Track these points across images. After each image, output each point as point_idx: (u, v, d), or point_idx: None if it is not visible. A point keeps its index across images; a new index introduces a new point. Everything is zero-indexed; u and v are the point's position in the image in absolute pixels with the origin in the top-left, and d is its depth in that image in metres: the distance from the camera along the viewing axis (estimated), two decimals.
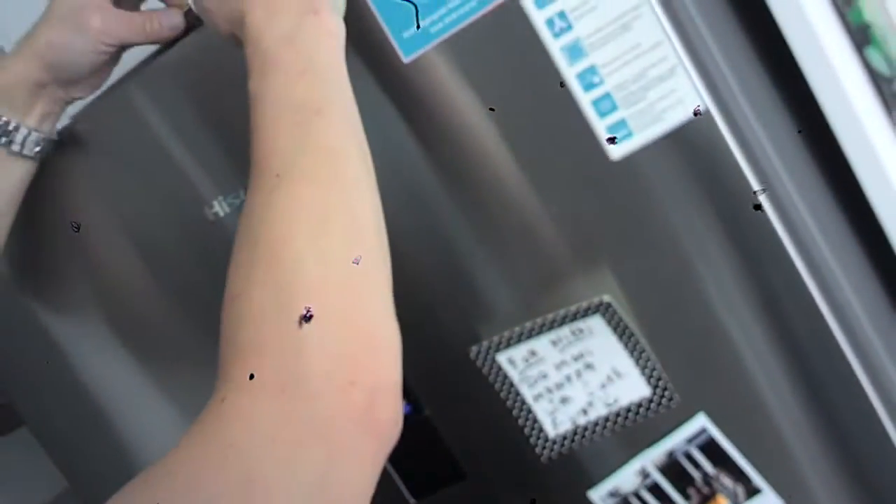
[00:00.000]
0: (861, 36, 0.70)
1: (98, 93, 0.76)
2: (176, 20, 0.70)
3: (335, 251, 0.49)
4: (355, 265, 0.48)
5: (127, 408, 0.88)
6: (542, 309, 0.67)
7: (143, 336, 0.84)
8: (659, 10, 0.59)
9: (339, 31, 0.59)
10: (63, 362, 0.86)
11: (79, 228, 0.80)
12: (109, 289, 0.82)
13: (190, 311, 0.80)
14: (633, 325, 0.65)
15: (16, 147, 0.70)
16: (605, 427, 0.69)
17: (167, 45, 0.72)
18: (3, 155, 0.70)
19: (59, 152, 0.76)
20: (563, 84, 0.63)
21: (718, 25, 0.64)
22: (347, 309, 0.48)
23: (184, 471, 0.43)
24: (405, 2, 0.63)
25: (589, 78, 0.62)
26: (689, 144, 0.62)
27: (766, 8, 0.65)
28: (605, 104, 0.62)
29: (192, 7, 0.69)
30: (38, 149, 0.72)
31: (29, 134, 0.71)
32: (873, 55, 0.70)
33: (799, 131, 0.68)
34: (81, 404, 0.87)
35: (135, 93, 0.73)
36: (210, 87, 0.71)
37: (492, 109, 0.65)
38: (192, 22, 0.71)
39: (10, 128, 0.69)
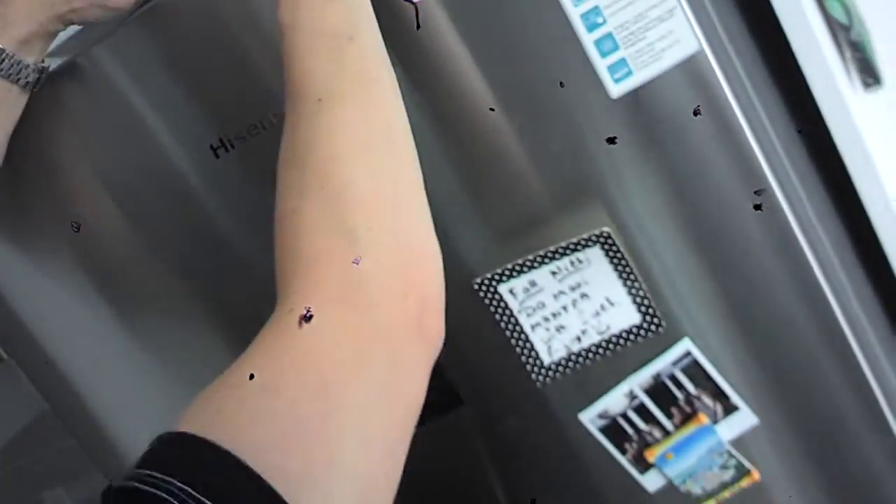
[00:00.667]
0: None
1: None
2: None
3: (381, 167, 0.52)
4: (400, 184, 0.51)
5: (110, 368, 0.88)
6: (542, 242, 0.71)
7: (120, 293, 0.84)
8: None
9: None
10: (47, 309, 0.85)
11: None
12: (86, 245, 0.82)
13: (161, 266, 0.81)
14: (628, 256, 0.70)
15: (28, 86, 0.71)
16: (596, 353, 0.73)
17: None
18: (17, 92, 0.70)
19: (46, 94, 0.75)
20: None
21: None
22: (396, 223, 0.51)
23: (263, 377, 0.45)
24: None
25: (592, 18, 0.65)
26: (684, 82, 0.66)
27: None
28: (607, 44, 0.66)
29: None
30: (40, 82, 0.73)
31: (41, 70, 0.71)
32: (832, 5, 0.76)
33: (782, 76, 0.73)
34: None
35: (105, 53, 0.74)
36: (196, 38, 0.72)
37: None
38: None
39: (29, 70, 0.70)
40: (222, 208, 0.76)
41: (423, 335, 0.50)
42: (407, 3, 0.67)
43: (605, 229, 0.69)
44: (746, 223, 0.69)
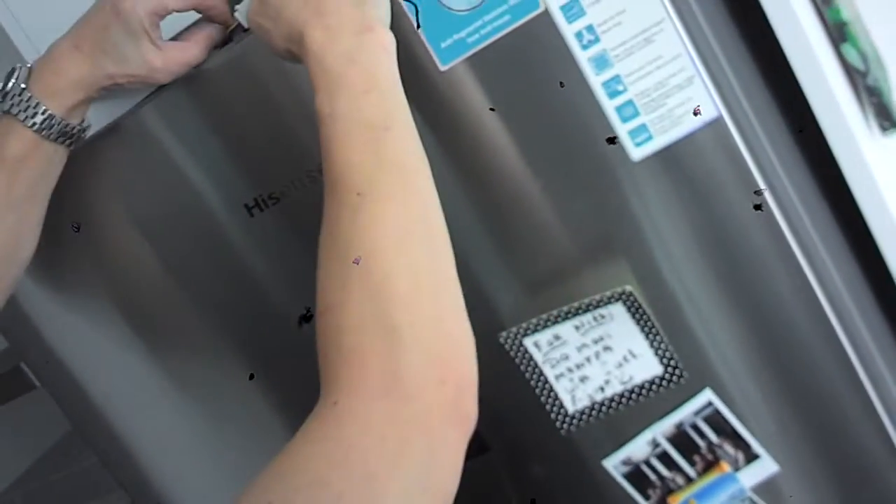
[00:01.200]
0: (838, 33, 0.77)
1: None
2: (218, 38, 0.74)
3: (419, 262, 0.54)
4: (437, 274, 0.54)
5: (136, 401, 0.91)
6: (566, 297, 0.73)
7: (155, 338, 0.87)
8: (679, 25, 0.65)
9: (392, 45, 0.62)
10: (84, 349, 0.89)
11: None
12: (121, 286, 0.85)
13: (190, 309, 0.84)
14: (650, 312, 0.72)
15: (73, 145, 0.75)
16: (619, 403, 0.75)
17: None
18: (63, 152, 0.74)
19: (87, 153, 0.79)
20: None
21: (726, 38, 0.70)
22: (435, 315, 0.53)
23: (311, 469, 0.48)
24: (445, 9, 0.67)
25: (613, 86, 0.67)
26: (704, 145, 0.68)
27: (764, 23, 0.72)
28: (628, 110, 0.68)
29: (242, 24, 0.72)
30: (83, 138, 0.76)
31: (83, 130, 0.75)
32: (849, 51, 0.77)
33: (800, 131, 0.74)
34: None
35: (163, 104, 0.77)
36: (236, 98, 0.75)
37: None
38: (230, 38, 0.75)
39: (74, 132, 0.73)
40: (256, 266, 0.79)
41: (460, 419, 0.52)
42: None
43: (628, 288, 0.71)
44: (767, 279, 0.70)
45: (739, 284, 0.71)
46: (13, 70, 0.72)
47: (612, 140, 0.69)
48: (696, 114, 0.67)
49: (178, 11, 0.72)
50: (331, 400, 0.50)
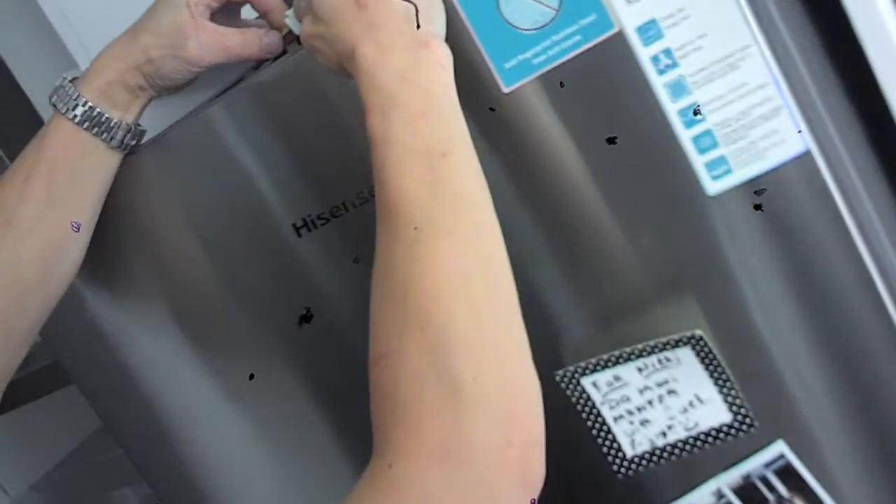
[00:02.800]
0: None
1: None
2: (274, 43, 0.69)
3: (482, 306, 0.49)
4: (500, 318, 0.49)
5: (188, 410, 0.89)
6: (628, 337, 0.68)
7: (214, 351, 0.84)
8: (767, 51, 0.59)
9: (448, 61, 0.57)
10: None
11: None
12: (178, 294, 0.82)
13: (257, 325, 0.81)
14: (720, 358, 0.66)
15: (115, 143, 0.71)
16: (683, 449, 0.69)
17: (257, 63, 0.71)
18: (102, 149, 0.71)
19: (143, 157, 0.75)
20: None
21: (816, 66, 0.64)
22: (499, 366, 0.48)
23: None
24: (510, 28, 0.62)
25: (691, 115, 0.61)
26: (789, 180, 0.61)
27: (858, 52, 0.65)
28: (706, 141, 0.62)
29: (293, 31, 0.68)
30: (133, 142, 0.73)
31: (129, 129, 0.71)
32: None
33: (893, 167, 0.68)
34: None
35: (218, 114, 0.72)
36: (291, 113, 0.70)
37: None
38: (287, 45, 0.70)
39: (112, 125, 0.70)
40: (302, 287, 0.75)
41: (526, 483, 0.47)
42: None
43: (698, 332, 0.65)
44: (854, 326, 0.64)
45: (822, 331, 0.64)
46: (70, 72, 0.70)
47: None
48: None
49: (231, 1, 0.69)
50: (385, 462, 0.46)
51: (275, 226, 0.73)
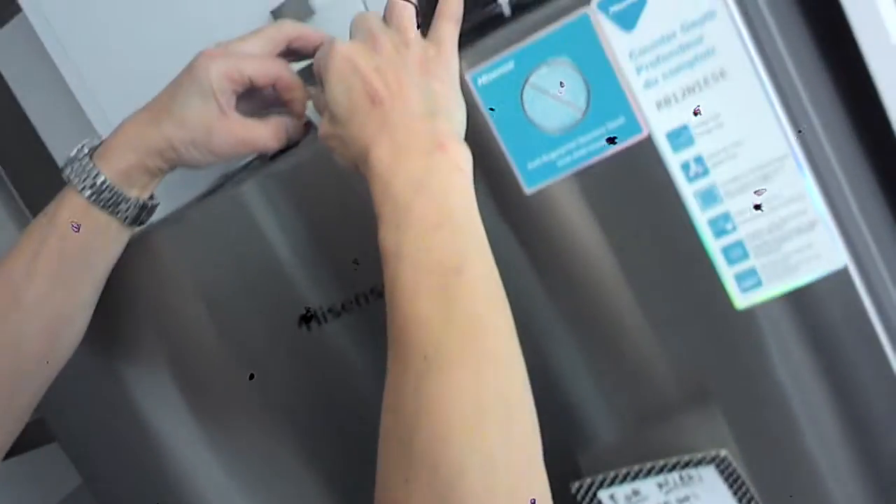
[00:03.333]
0: None
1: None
2: (296, 134, 0.67)
3: (495, 453, 0.45)
4: (517, 465, 0.45)
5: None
6: (650, 448, 0.64)
7: (213, 424, 0.81)
8: (804, 162, 0.56)
9: (466, 163, 0.55)
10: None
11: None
12: (189, 371, 0.79)
13: (272, 408, 0.77)
14: (745, 477, 0.62)
15: (128, 221, 0.68)
16: None
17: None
18: (116, 227, 0.68)
19: (156, 235, 0.73)
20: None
21: (857, 178, 0.61)
22: None
23: None
24: (530, 126, 0.59)
25: (721, 224, 0.58)
26: (821, 296, 0.58)
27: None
28: (737, 252, 0.58)
29: (312, 122, 0.66)
30: (147, 218, 0.70)
31: (145, 207, 0.69)
32: None
33: None
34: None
35: (249, 193, 0.69)
36: (318, 200, 0.67)
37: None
38: (306, 134, 0.68)
39: (129, 203, 0.67)
40: (308, 379, 0.72)
41: None
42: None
43: (723, 452, 0.61)
44: (885, 449, 0.60)
45: (856, 450, 0.61)
46: (84, 144, 0.68)
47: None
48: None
49: (255, 83, 0.66)
50: None
51: (286, 313, 0.70)
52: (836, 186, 0.58)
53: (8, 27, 1.58)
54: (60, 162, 1.54)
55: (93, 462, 0.87)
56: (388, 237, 0.51)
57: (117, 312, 0.77)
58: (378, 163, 0.52)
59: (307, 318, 0.70)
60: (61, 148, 1.60)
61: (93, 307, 0.71)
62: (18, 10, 1.44)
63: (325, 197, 0.67)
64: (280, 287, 0.69)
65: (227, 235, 0.70)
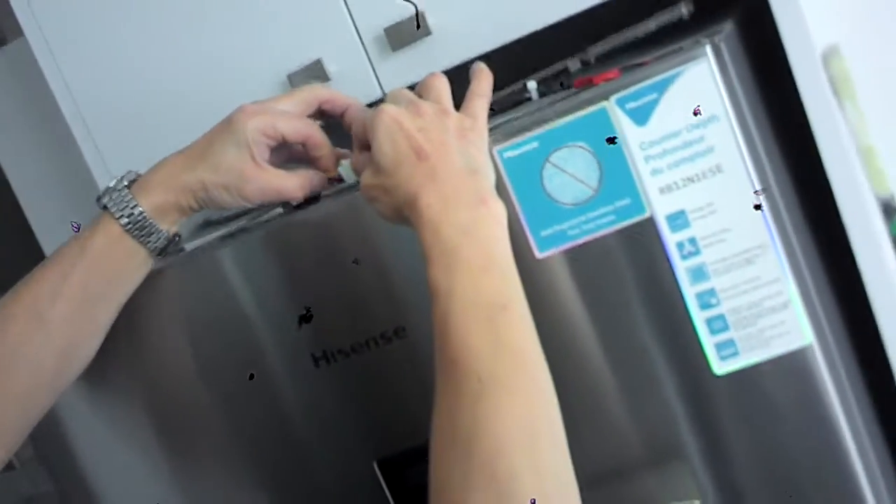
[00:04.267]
0: None
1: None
2: (321, 186, 0.72)
3: (546, 463, 0.51)
4: (562, 476, 0.51)
5: None
6: (624, 500, 0.70)
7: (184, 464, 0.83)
8: (782, 251, 0.64)
9: (504, 218, 0.60)
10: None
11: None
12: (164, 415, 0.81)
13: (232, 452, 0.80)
14: None
15: (156, 251, 0.72)
16: None
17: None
18: (143, 255, 0.71)
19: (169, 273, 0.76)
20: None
21: (816, 271, 0.70)
22: None
23: None
24: (548, 200, 0.67)
25: (707, 299, 0.66)
26: (788, 370, 0.66)
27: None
28: (718, 324, 0.66)
29: (345, 178, 0.71)
30: (172, 251, 0.74)
31: (172, 240, 0.72)
32: None
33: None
34: None
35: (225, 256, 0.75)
36: (295, 263, 0.73)
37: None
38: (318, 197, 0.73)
39: (159, 235, 0.71)
40: (311, 416, 0.75)
41: None
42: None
43: (696, 502, 0.68)
44: None
45: None
46: (123, 177, 0.71)
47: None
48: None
49: (287, 139, 0.71)
50: None
51: (293, 356, 0.74)
52: (803, 275, 0.66)
53: None
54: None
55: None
56: (440, 277, 0.56)
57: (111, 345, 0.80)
58: (427, 209, 0.58)
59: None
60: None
61: (106, 332, 0.74)
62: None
63: (330, 253, 0.72)
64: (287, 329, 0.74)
65: (233, 280, 0.75)
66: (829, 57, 0.87)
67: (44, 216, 1.59)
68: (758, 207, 0.64)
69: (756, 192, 0.64)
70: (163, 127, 1.00)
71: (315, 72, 0.93)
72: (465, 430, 0.51)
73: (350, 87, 0.88)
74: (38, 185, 1.57)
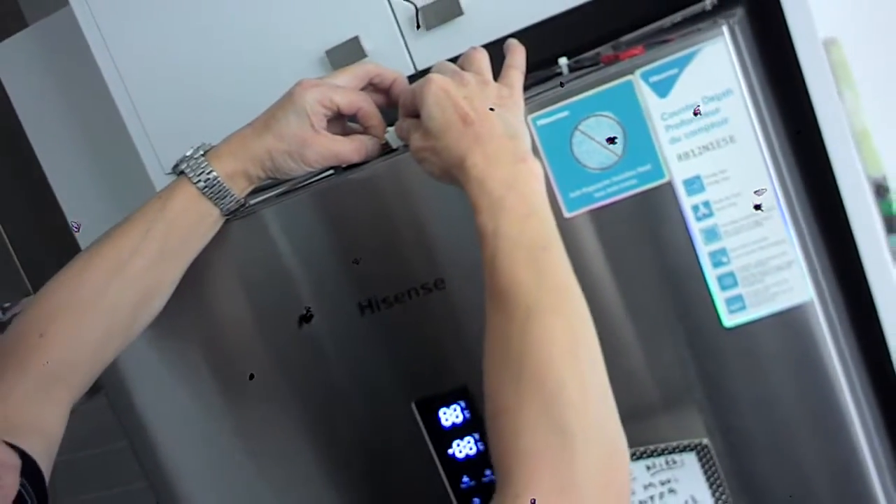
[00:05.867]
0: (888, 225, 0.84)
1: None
2: (375, 151, 0.78)
3: (586, 373, 0.58)
4: (600, 385, 0.58)
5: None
6: (633, 440, 0.76)
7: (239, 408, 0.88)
8: (787, 214, 0.70)
9: (541, 175, 0.66)
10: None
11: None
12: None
13: (282, 398, 0.86)
14: (719, 465, 0.74)
15: (226, 213, 0.78)
16: None
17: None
18: (215, 216, 0.78)
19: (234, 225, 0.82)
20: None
21: (814, 234, 0.76)
22: (601, 423, 0.57)
23: None
24: (578, 166, 0.72)
25: (719, 257, 0.72)
26: (790, 324, 0.72)
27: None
28: (728, 280, 0.72)
29: (390, 144, 0.77)
30: (235, 213, 0.80)
31: (241, 204, 0.79)
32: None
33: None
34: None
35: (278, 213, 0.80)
36: (343, 219, 0.79)
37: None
38: (380, 153, 0.79)
39: (230, 198, 0.77)
40: (355, 361, 0.81)
41: None
42: None
43: (705, 441, 0.74)
44: (824, 456, 0.74)
45: (800, 458, 0.74)
46: (199, 147, 0.78)
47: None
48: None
49: (342, 110, 0.77)
50: (511, 492, 0.53)
51: (339, 303, 0.79)
52: (804, 237, 0.72)
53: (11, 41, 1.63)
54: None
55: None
56: (487, 222, 0.62)
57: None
58: (473, 168, 0.64)
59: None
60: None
61: (175, 286, 0.79)
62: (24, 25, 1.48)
63: (390, 206, 0.78)
64: (336, 278, 0.79)
65: (293, 232, 0.80)
66: (829, 46, 0.93)
67: (73, 195, 1.63)
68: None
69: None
70: (206, 103, 1.05)
71: (352, 49, 0.98)
72: (516, 349, 0.58)
73: (385, 63, 0.92)
74: (67, 163, 1.62)
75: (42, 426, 0.72)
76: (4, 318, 2.13)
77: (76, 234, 1.60)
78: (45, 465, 0.69)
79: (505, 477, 0.55)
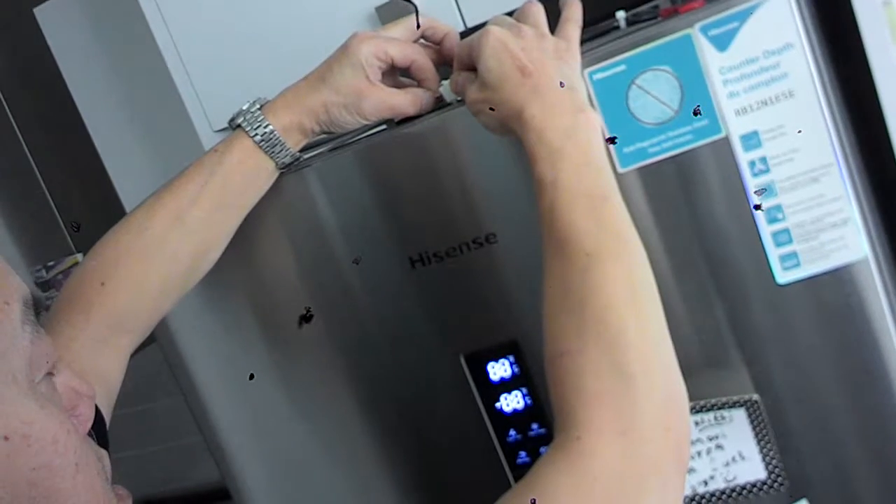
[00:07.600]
0: None
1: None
2: (429, 104, 0.77)
3: (647, 317, 0.58)
4: (660, 329, 0.58)
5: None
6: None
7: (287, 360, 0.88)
8: (844, 171, 0.69)
9: (599, 126, 0.65)
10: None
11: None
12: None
13: (329, 351, 0.86)
14: (768, 422, 0.74)
15: (281, 166, 0.78)
16: (719, 499, 0.77)
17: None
18: (271, 169, 0.78)
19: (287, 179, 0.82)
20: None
21: (870, 192, 0.74)
22: (661, 366, 0.57)
23: (561, 493, 0.51)
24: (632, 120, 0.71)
25: (774, 214, 0.70)
26: (845, 282, 0.71)
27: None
28: (783, 237, 0.71)
29: (444, 97, 0.76)
30: (290, 167, 0.80)
31: (296, 157, 0.79)
32: None
33: None
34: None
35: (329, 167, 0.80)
36: (394, 174, 0.79)
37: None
38: (435, 106, 0.78)
39: (286, 151, 0.76)
40: (405, 314, 0.81)
41: (680, 465, 0.56)
42: None
43: (755, 396, 0.73)
44: (883, 411, 0.73)
45: (847, 416, 0.73)
46: (255, 101, 0.77)
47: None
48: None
49: (396, 63, 0.76)
50: (574, 434, 0.53)
51: (391, 257, 0.79)
52: (860, 195, 0.71)
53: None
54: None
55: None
56: (545, 171, 0.61)
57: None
58: (532, 119, 0.63)
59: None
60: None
61: (231, 237, 0.79)
62: None
63: (443, 161, 0.77)
64: (389, 231, 0.79)
65: (347, 185, 0.80)
66: (886, 5, 0.91)
67: (118, 155, 1.64)
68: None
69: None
70: (254, 61, 1.04)
71: (401, 5, 0.97)
72: (576, 294, 0.57)
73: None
74: (112, 123, 1.62)
75: (103, 373, 0.72)
76: (48, 276, 2.16)
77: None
78: (106, 413, 0.70)
79: (566, 419, 0.55)
